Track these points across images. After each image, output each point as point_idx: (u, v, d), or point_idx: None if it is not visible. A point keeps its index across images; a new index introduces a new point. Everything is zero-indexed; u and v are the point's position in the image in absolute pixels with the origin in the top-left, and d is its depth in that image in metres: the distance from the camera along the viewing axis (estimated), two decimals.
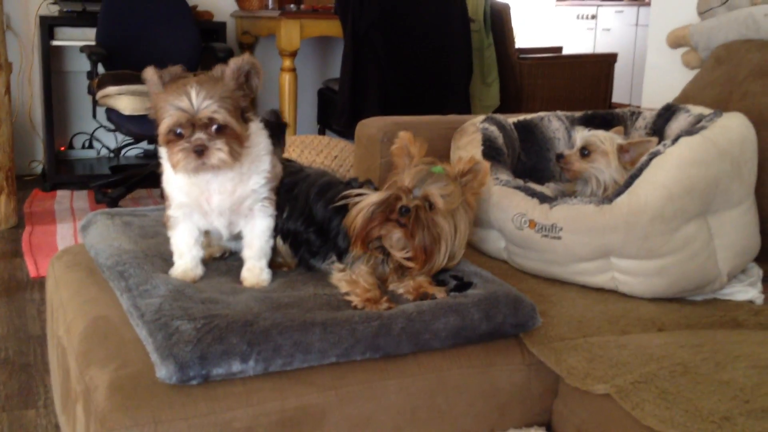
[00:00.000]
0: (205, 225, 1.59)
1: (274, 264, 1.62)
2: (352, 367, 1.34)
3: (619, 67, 5.40)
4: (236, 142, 1.46)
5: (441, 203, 1.48)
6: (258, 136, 1.55)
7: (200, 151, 1.43)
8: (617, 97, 5.96)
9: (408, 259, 1.50)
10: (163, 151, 1.51)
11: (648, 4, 6.81)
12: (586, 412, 1.38)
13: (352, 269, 1.53)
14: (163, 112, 1.44)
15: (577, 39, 7.45)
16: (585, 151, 1.81)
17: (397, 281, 1.55)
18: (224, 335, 1.27)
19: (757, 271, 1.76)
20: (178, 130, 1.43)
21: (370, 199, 1.50)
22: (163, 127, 1.45)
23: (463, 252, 1.57)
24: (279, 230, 1.62)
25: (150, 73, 1.48)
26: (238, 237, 1.62)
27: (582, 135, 1.84)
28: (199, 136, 1.43)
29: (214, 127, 1.43)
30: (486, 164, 1.56)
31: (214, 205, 1.54)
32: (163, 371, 1.22)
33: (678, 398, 1.24)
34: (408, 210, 1.47)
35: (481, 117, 2.02)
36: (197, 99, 1.42)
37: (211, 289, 1.50)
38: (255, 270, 1.57)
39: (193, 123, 1.42)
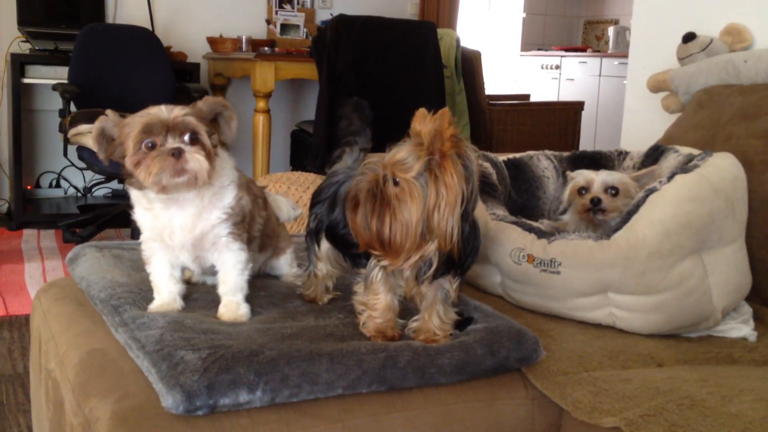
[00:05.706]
0: (173, 260, 1.53)
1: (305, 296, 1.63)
2: (359, 399, 1.32)
3: (583, 116, 5.49)
4: (209, 157, 1.39)
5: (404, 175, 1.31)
6: (222, 168, 1.48)
7: (177, 155, 1.34)
8: (583, 145, 6.05)
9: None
10: (131, 190, 1.45)
11: (610, 56, 6.99)
12: None
13: (369, 289, 1.44)
14: (130, 128, 1.36)
15: (542, 88, 7.59)
16: (612, 191, 1.81)
17: (416, 290, 1.43)
18: (231, 365, 1.24)
19: (747, 309, 1.78)
20: (149, 141, 1.35)
21: (354, 191, 1.35)
22: (131, 142, 1.35)
23: (458, 227, 1.32)
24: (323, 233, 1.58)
25: (109, 113, 1.41)
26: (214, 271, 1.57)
27: (603, 179, 1.83)
28: (174, 141, 1.36)
29: (188, 135, 1.36)
30: (445, 109, 1.33)
31: (176, 240, 1.48)
32: (169, 400, 1.19)
33: (688, 431, 1.24)
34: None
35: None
36: (167, 108, 1.36)
37: (210, 320, 1.47)
38: (231, 306, 1.51)
39: (166, 128, 1.35)
